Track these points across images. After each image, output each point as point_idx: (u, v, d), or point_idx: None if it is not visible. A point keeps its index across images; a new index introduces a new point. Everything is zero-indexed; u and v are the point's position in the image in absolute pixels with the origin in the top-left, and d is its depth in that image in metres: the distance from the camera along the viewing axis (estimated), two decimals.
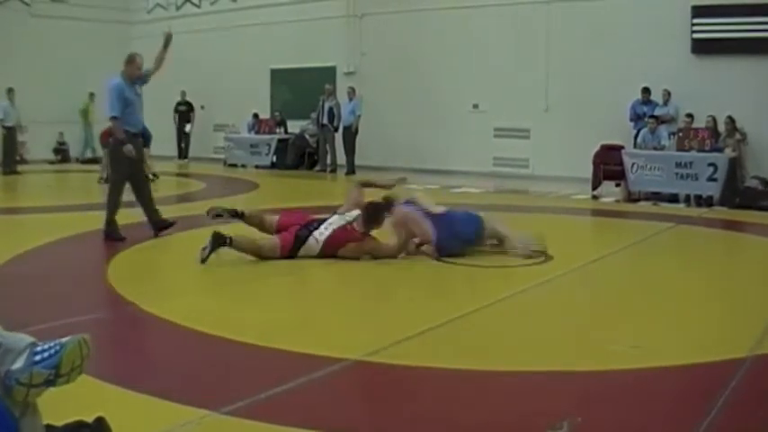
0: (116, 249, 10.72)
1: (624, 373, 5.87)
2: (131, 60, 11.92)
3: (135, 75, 11.89)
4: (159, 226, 11.97)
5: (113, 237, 11.65)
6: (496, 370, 5.98)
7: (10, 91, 24.27)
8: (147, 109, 12.33)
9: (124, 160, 11.71)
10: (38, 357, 3.75)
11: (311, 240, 10.24)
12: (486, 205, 12.61)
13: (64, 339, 3.85)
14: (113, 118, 11.64)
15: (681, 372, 5.96)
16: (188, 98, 28.57)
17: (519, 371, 5.98)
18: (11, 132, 24.25)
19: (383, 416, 5.08)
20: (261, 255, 10.16)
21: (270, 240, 10.27)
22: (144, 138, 20.75)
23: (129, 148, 11.62)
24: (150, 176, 20.21)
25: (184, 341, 6.75)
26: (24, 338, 3.88)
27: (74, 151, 28.77)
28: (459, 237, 10.50)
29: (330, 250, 10.25)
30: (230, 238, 9.88)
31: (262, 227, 10.57)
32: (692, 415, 4.96)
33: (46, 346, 3.81)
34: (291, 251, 10.22)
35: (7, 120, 24.14)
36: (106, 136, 22.20)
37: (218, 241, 9.81)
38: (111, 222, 11.76)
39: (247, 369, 6.01)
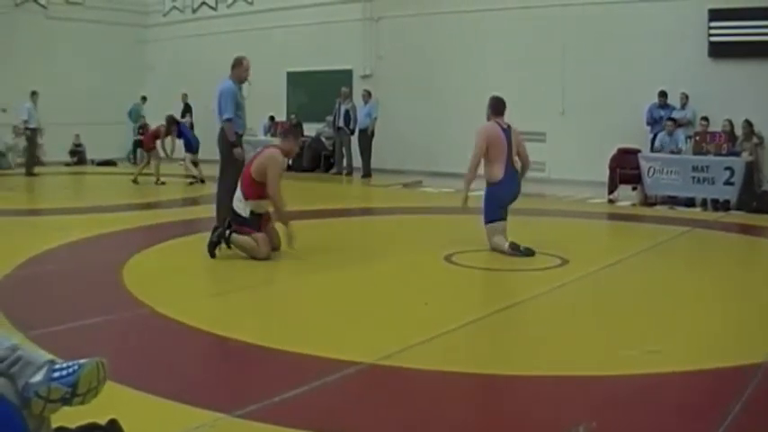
0: (131, 251, 10.72)
1: (640, 378, 5.84)
2: (239, 63, 12.35)
3: (243, 77, 12.30)
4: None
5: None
6: (511, 374, 5.97)
7: (34, 93, 24.38)
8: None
9: (237, 160, 11.96)
10: (56, 374, 3.78)
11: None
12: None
13: (82, 360, 3.87)
14: (228, 120, 11.97)
15: (697, 377, 5.93)
16: (188, 100, 28.69)
17: (534, 375, 5.97)
18: (33, 134, 24.41)
19: (396, 420, 5.06)
20: (255, 249, 10.39)
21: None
22: (192, 144, 21.05)
23: (239, 150, 11.98)
24: (198, 181, 20.44)
25: (198, 343, 6.76)
26: (43, 354, 3.94)
27: (91, 153, 28.76)
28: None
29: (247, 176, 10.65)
30: (228, 236, 10.47)
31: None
32: (709, 420, 4.94)
33: (64, 365, 3.84)
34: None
35: (31, 122, 24.28)
36: (150, 138, 22.41)
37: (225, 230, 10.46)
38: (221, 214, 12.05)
39: (261, 372, 6.01)
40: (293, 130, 11.04)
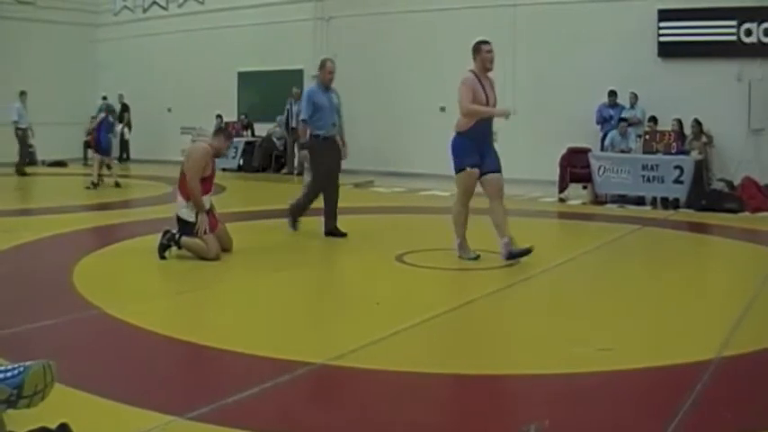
0: (82, 253, 10.65)
1: (591, 376, 5.87)
2: (322, 66, 12.51)
3: (327, 79, 12.36)
4: (329, 230, 12.45)
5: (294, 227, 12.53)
6: (463, 373, 5.98)
7: (22, 93, 24.51)
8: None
9: (323, 162, 12.24)
10: (1, 376, 3.73)
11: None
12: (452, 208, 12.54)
13: (29, 363, 3.82)
14: (303, 121, 12.38)
15: (648, 374, 5.97)
16: (125, 100, 28.71)
17: (486, 374, 5.98)
18: (24, 134, 24.51)
19: (348, 420, 5.06)
20: (204, 251, 10.40)
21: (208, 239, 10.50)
22: (101, 145, 20.58)
23: (304, 153, 12.44)
24: (115, 184, 20.15)
25: (149, 345, 6.71)
26: None
27: (42, 153, 28.47)
28: None
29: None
30: (178, 239, 10.46)
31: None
32: (659, 418, 4.96)
33: (10, 367, 3.80)
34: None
35: (22, 122, 24.37)
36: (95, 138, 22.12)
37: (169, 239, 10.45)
38: (295, 214, 12.59)
39: (213, 373, 5.99)
40: (223, 130, 11.21)
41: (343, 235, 12.28)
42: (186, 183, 10.51)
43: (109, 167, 21.07)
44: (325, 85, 12.39)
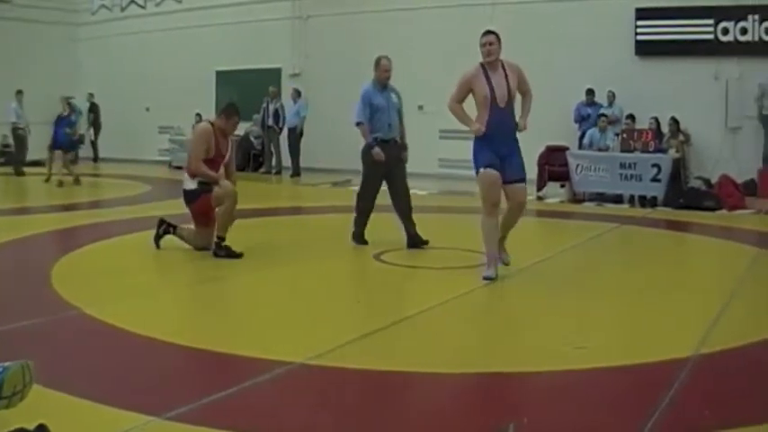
0: (60, 253, 10.61)
1: (569, 374, 5.89)
2: (377, 64, 11.97)
3: (383, 77, 11.83)
4: (413, 241, 11.59)
5: (358, 241, 11.82)
6: (441, 372, 5.98)
7: (19, 92, 24.53)
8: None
9: (376, 165, 11.61)
10: None
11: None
12: (431, 207, 12.55)
13: (7, 363, 3.81)
14: (358, 123, 11.62)
15: (625, 372, 5.99)
16: (95, 100, 28.73)
17: (464, 372, 5.99)
18: (23, 134, 24.53)
19: (327, 420, 5.06)
20: (198, 240, 10.74)
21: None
22: (57, 141, 20.45)
23: (377, 151, 11.47)
24: (75, 180, 20.09)
25: (127, 345, 6.68)
26: None
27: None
28: None
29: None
30: (174, 227, 10.86)
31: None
32: (637, 415, 4.98)
33: None
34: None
35: (20, 121, 24.41)
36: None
37: (163, 227, 10.88)
38: (357, 224, 11.94)
39: (190, 373, 5.98)
40: (225, 108, 10.91)
41: (425, 243, 11.58)
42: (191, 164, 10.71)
43: (73, 162, 21.11)
44: (382, 84, 11.83)
